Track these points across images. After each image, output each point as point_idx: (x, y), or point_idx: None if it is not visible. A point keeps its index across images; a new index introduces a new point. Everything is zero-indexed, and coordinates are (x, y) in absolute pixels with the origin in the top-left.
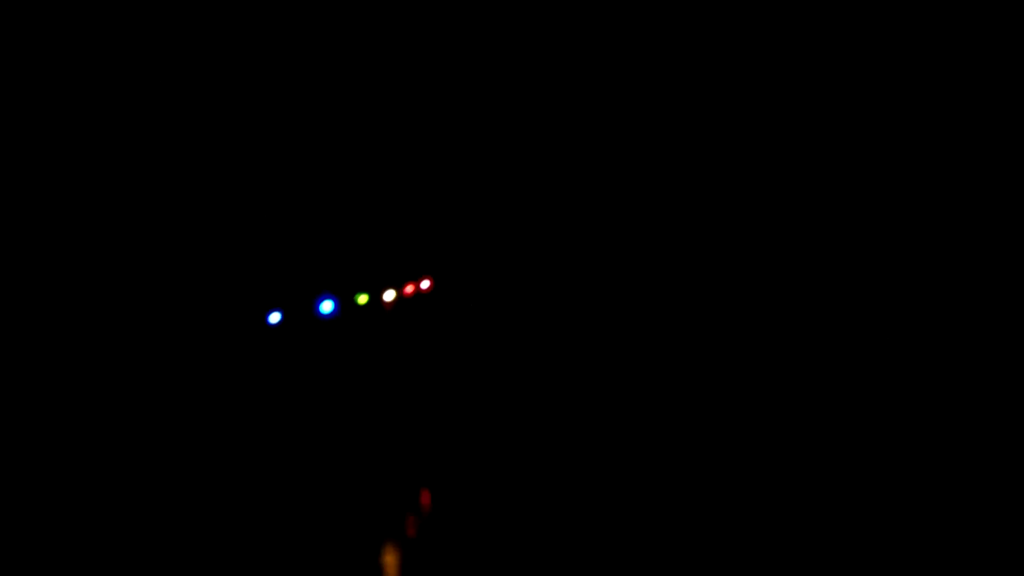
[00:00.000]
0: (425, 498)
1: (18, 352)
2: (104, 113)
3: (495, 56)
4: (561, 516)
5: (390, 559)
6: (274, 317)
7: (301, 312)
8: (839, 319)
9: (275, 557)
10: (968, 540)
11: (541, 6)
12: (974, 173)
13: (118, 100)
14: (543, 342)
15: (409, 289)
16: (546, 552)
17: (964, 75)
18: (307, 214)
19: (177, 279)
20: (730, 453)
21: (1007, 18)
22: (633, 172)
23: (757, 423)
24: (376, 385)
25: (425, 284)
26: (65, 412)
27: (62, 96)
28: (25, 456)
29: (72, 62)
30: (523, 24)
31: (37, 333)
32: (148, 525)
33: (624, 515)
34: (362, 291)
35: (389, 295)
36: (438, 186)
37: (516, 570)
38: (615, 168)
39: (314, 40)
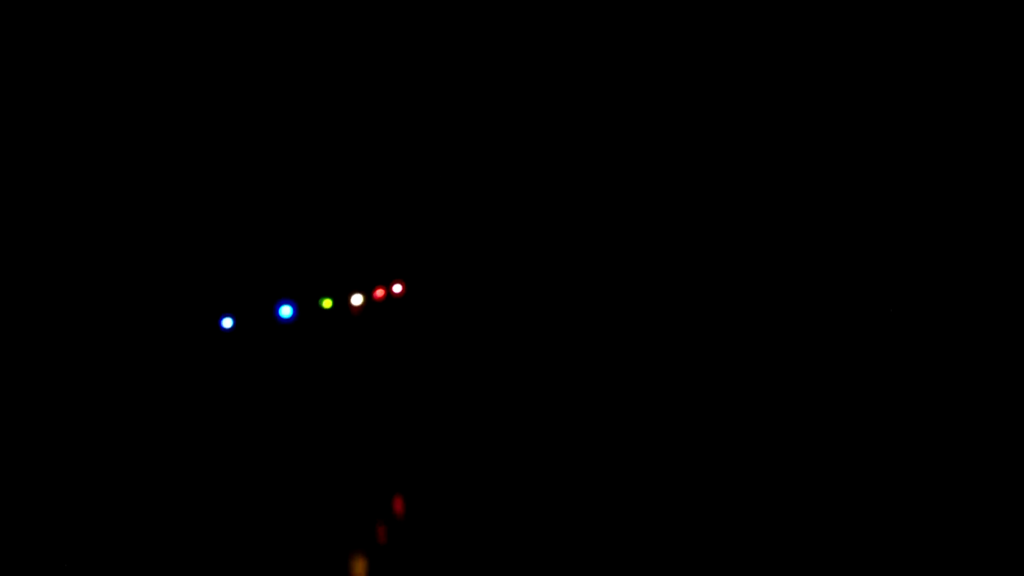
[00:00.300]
0: (397, 505)
1: None
2: (61, 129)
3: (464, 64)
4: (534, 522)
5: (359, 567)
6: (227, 322)
7: (259, 316)
8: (838, 319)
9: (243, 563)
10: (968, 540)
11: (500, 22)
12: (974, 173)
13: (77, 118)
14: (517, 348)
15: (379, 293)
16: (516, 559)
17: (964, 75)
18: (278, 218)
19: (139, 284)
20: (701, 461)
21: (1007, 18)
22: (607, 178)
23: (732, 424)
24: (343, 390)
25: (397, 288)
26: (19, 420)
27: (27, 107)
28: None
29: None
30: (489, 34)
31: None
32: (110, 530)
33: (599, 521)
34: (326, 295)
35: (357, 299)
36: (411, 192)
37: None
38: (586, 174)
39: (274, 53)
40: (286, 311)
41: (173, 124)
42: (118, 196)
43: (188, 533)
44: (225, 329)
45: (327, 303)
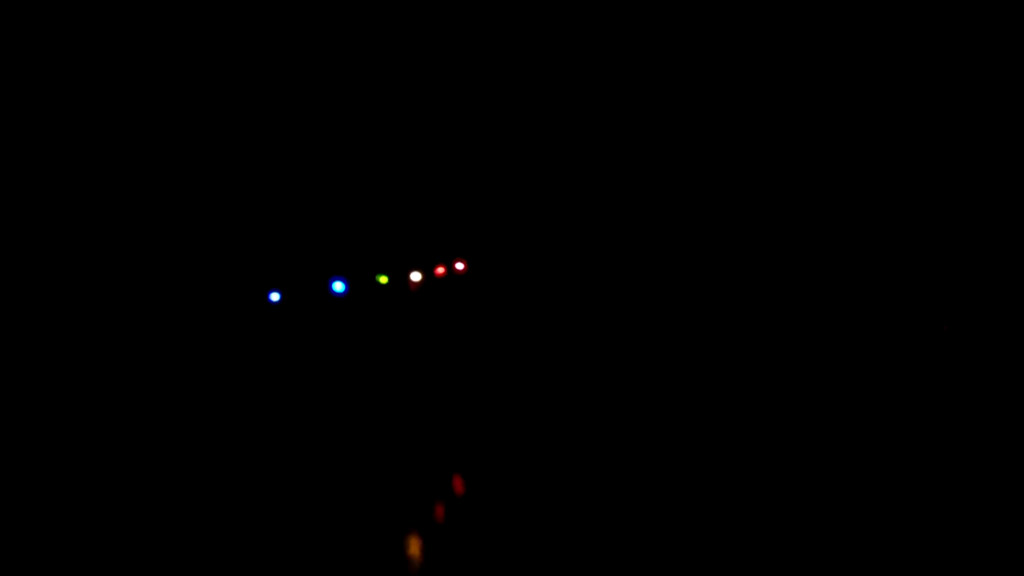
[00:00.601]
0: (456, 485)
1: (20, 341)
2: (114, 105)
3: (516, 51)
4: (582, 505)
5: (413, 547)
6: (275, 296)
7: (309, 291)
8: (837, 319)
9: (290, 545)
10: (968, 540)
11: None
12: (974, 174)
13: (133, 96)
14: (569, 333)
15: (440, 271)
16: (561, 542)
17: (964, 75)
18: (336, 198)
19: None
20: (757, 458)
21: (1007, 18)
22: (651, 170)
23: (777, 425)
24: (391, 369)
25: (459, 266)
26: (66, 400)
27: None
28: (24, 451)
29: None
30: (556, 17)
31: (40, 322)
32: (158, 515)
33: (637, 509)
34: (382, 271)
35: (416, 276)
36: (470, 172)
37: (536, 558)
38: (642, 164)
39: (337, 32)
40: (338, 286)
41: (226, 97)
42: (171, 169)
43: (236, 503)
44: (273, 303)
45: (383, 279)
